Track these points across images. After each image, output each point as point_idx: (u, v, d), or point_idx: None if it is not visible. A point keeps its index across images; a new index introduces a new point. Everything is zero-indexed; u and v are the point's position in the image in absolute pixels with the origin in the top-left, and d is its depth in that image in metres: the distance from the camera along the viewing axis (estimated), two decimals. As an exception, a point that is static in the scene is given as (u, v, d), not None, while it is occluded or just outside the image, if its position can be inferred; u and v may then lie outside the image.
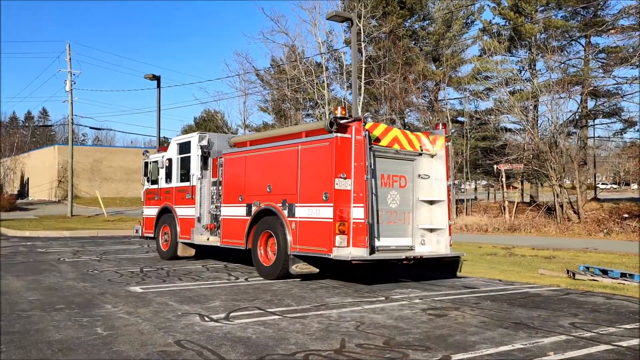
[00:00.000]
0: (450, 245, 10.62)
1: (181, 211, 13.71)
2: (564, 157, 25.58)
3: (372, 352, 5.44)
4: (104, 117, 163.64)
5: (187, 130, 58.46)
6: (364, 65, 31.17)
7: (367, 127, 9.74)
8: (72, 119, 38.17)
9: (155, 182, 15.04)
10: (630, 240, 19.78)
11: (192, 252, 13.97)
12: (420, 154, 10.88)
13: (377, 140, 10.17)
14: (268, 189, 10.92)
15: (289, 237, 10.18)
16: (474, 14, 36.70)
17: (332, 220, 9.35)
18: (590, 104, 31.92)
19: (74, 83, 37.21)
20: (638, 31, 25.28)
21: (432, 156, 10.96)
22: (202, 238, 13.07)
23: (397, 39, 34.66)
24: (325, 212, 9.51)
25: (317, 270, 10.41)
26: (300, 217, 10.07)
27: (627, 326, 6.72)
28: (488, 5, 35.55)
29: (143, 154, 16.05)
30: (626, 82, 27.11)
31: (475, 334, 6.22)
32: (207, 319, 6.88)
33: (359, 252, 9.33)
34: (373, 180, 9.89)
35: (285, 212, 10.36)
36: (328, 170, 9.53)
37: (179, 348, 5.48)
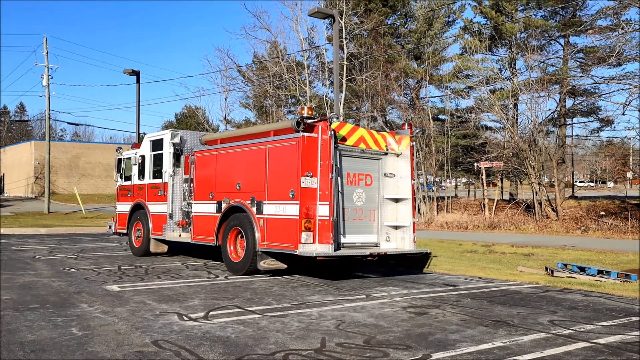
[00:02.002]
0: (415, 242, 10.82)
1: (153, 208, 13.64)
2: (542, 155, 25.90)
3: (352, 352, 5.40)
4: (82, 112, 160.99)
5: (167, 126, 57.96)
6: (345, 63, 31.13)
7: (333, 126, 9.88)
8: (49, 114, 37.45)
9: (128, 178, 14.94)
10: (607, 238, 20.09)
11: (165, 248, 13.95)
12: (386, 153, 11.04)
13: (344, 139, 10.33)
14: (237, 187, 11.02)
15: (257, 234, 10.31)
16: (455, 13, 36.88)
17: (298, 217, 9.50)
18: (569, 103, 32.37)
19: (52, 77, 36.49)
20: (615, 32, 25.61)
21: (397, 155, 11.13)
22: (174, 234, 13.03)
23: (379, 37, 34.69)
24: (291, 210, 9.66)
25: (285, 266, 10.54)
26: (268, 215, 10.19)
27: (605, 323, 6.79)
28: (469, 3, 35.83)
29: (116, 150, 15.96)
30: (604, 82, 27.41)
31: (456, 332, 6.22)
32: (185, 318, 6.78)
33: (324, 249, 9.47)
34: (339, 178, 10.05)
35: (254, 209, 10.46)
36: (295, 168, 9.67)
37: (157, 348, 5.38)
